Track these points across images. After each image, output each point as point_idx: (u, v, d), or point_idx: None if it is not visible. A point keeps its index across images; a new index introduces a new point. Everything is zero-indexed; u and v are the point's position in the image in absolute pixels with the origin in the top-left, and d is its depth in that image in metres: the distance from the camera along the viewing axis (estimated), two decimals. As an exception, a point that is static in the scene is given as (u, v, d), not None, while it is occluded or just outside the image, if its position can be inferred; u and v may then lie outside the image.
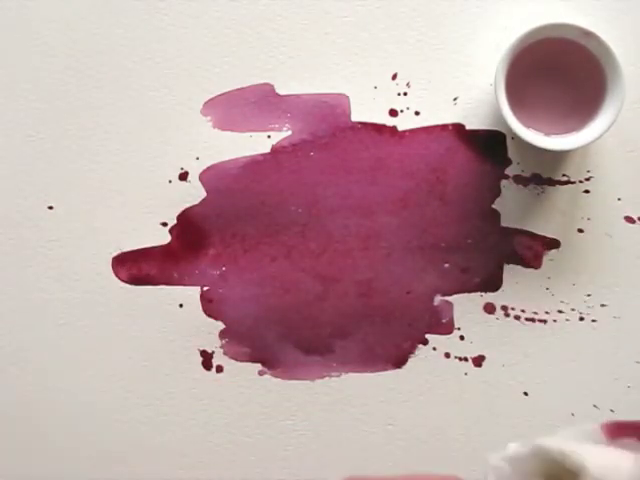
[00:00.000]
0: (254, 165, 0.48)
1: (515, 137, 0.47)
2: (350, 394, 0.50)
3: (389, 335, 0.49)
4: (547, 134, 0.44)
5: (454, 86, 0.47)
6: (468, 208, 0.48)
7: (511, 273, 0.48)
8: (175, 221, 0.49)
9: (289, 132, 0.48)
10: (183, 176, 0.48)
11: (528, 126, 0.44)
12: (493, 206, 0.48)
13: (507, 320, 0.49)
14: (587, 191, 0.47)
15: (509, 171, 0.47)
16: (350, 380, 0.50)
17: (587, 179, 0.47)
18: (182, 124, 0.48)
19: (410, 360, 0.49)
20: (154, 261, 0.49)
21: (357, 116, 0.48)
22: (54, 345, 0.50)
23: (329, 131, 0.48)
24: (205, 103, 0.48)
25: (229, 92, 0.48)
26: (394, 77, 0.47)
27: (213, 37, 0.47)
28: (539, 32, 0.42)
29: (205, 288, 0.49)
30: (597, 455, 0.28)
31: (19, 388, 0.51)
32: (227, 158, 0.48)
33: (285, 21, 0.47)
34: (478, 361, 0.49)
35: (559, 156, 0.47)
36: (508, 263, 0.48)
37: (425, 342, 0.49)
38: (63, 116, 0.48)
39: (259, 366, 0.50)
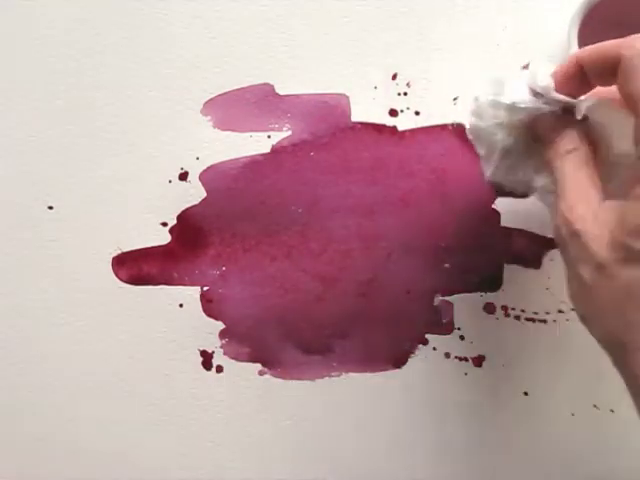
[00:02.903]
0: (254, 165, 0.48)
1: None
2: (350, 394, 0.50)
3: (389, 335, 0.49)
4: None
5: (454, 86, 0.47)
6: (468, 208, 0.48)
7: (511, 273, 0.48)
8: (175, 221, 0.49)
9: (289, 132, 0.48)
10: (183, 176, 0.48)
11: None
12: (493, 206, 0.48)
13: (507, 320, 0.49)
14: (587, 191, 0.47)
15: (509, 171, 0.47)
16: (350, 380, 0.50)
17: (587, 179, 0.47)
18: (182, 124, 0.48)
19: (410, 360, 0.49)
20: (154, 261, 0.49)
21: (357, 116, 0.48)
22: (54, 345, 0.50)
23: (329, 131, 0.48)
24: (205, 103, 0.48)
25: (229, 92, 0.48)
26: (394, 77, 0.47)
27: (213, 37, 0.47)
28: None
29: (205, 288, 0.49)
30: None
31: (19, 388, 0.51)
32: (227, 158, 0.48)
33: (285, 21, 0.47)
34: (478, 361, 0.49)
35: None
36: (508, 263, 0.48)
37: (425, 342, 0.49)
38: (63, 116, 0.48)
39: (259, 366, 0.50)
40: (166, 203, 0.49)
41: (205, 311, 0.49)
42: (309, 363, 0.50)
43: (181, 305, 0.49)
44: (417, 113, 0.47)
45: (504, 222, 0.48)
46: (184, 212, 0.49)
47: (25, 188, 0.49)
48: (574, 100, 0.35)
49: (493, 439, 0.50)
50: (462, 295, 0.49)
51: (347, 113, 0.48)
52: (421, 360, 0.49)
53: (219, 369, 0.50)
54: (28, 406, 0.51)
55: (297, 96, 0.48)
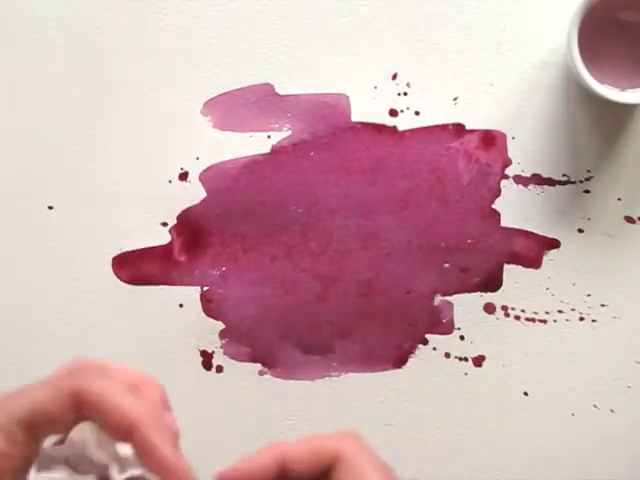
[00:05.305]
0: (254, 165, 0.48)
1: (517, 135, 0.47)
2: (350, 394, 0.50)
3: (389, 335, 0.49)
4: (622, 89, 0.44)
5: (454, 86, 0.47)
6: (468, 208, 0.48)
7: (511, 273, 0.48)
8: (175, 221, 0.49)
9: (289, 132, 0.48)
10: (183, 176, 0.48)
11: (602, 82, 0.43)
12: (493, 206, 0.48)
13: (507, 320, 0.49)
14: (587, 191, 0.47)
15: (509, 171, 0.47)
16: (350, 380, 0.50)
17: (587, 179, 0.47)
18: (182, 124, 0.48)
19: (410, 360, 0.49)
20: (154, 261, 0.49)
21: (357, 116, 0.48)
22: (54, 345, 0.50)
23: (329, 131, 0.48)
24: (205, 103, 0.48)
25: (229, 92, 0.48)
26: (394, 77, 0.47)
27: (213, 37, 0.47)
28: None
29: (205, 288, 0.49)
30: None
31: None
32: (227, 158, 0.48)
33: (285, 21, 0.47)
34: (478, 361, 0.49)
35: (559, 156, 0.47)
36: (508, 263, 0.48)
37: (425, 342, 0.49)
38: (63, 116, 0.48)
39: (259, 366, 0.50)
40: (166, 203, 0.49)
41: (205, 311, 0.49)
42: (309, 363, 0.50)
43: (181, 305, 0.49)
44: (417, 113, 0.47)
45: (504, 222, 0.48)
46: (184, 212, 0.49)
47: (25, 188, 0.49)
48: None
49: (493, 439, 0.50)
50: (462, 295, 0.49)
51: (347, 113, 0.48)
52: (421, 360, 0.49)
53: (219, 369, 0.50)
54: (28, 406, 0.51)
55: (297, 96, 0.48)
